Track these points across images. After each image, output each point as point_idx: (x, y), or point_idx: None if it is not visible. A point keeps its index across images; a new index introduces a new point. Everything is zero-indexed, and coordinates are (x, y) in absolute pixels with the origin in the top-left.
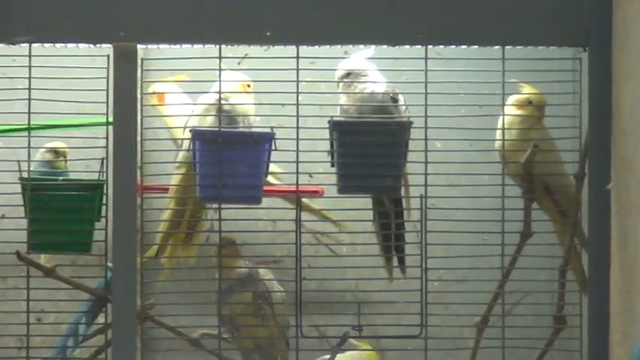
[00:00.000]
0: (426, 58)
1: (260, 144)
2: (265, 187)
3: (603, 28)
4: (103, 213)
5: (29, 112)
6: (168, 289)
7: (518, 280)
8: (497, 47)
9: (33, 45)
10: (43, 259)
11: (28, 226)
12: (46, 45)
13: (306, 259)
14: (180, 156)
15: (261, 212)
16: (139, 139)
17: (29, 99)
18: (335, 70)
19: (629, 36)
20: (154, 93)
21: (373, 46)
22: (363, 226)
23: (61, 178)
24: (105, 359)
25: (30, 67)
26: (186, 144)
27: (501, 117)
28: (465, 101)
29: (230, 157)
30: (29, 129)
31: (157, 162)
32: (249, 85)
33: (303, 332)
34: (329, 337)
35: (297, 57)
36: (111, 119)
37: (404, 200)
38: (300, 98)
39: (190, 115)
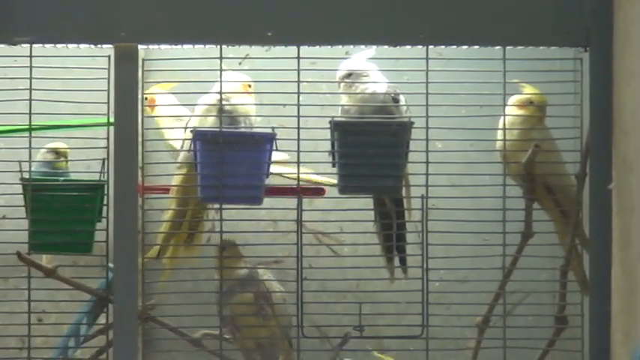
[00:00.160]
0: (427, 59)
1: (261, 144)
2: (271, 187)
3: (604, 28)
4: (104, 213)
5: (30, 113)
6: (169, 290)
7: (519, 281)
8: (498, 47)
9: (34, 45)
10: (44, 259)
11: (29, 226)
12: (47, 45)
13: (307, 259)
14: (182, 156)
15: (263, 212)
16: (139, 139)
17: (30, 99)
18: (336, 70)
19: (630, 37)
20: (145, 99)
21: (374, 47)
22: (364, 226)
23: (62, 178)
24: (106, 359)
25: (31, 67)
26: (187, 144)
27: (502, 117)
28: (466, 101)
29: (231, 157)
30: (30, 129)
31: (158, 162)
32: (250, 86)
33: (304, 332)
34: (330, 337)
35: (298, 57)
36: (112, 120)
37: (405, 200)
38: (301, 98)
39: (186, 126)
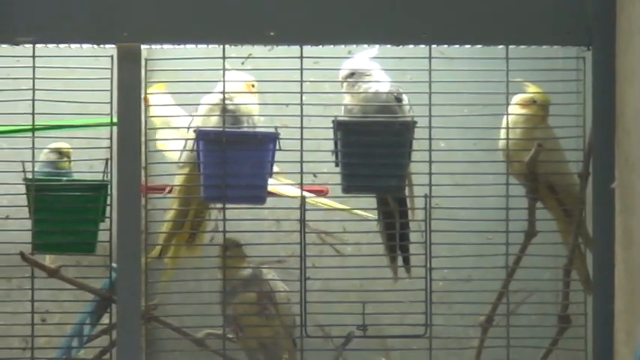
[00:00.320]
0: (430, 58)
1: (264, 144)
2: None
3: (607, 27)
4: (108, 213)
5: (33, 113)
6: (172, 290)
7: (522, 280)
8: (500, 47)
9: (36, 45)
10: (47, 259)
11: (32, 226)
12: (50, 46)
13: (311, 258)
14: (184, 156)
15: (266, 212)
16: (143, 139)
17: (33, 99)
18: (339, 69)
19: (632, 36)
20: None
21: (377, 46)
22: (368, 225)
23: (65, 178)
24: (110, 359)
25: (34, 67)
26: (189, 144)
27: (505, 116)
28: (469, 101)
29: (234, 157)
30: (33, 129)
31: (161, 162)
32: (253, 85)
33: (307, 332)
34: (333, 336)
35: (301, 57)
36: (115, 120)
37: (408, 200)
38: (304, 98)
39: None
